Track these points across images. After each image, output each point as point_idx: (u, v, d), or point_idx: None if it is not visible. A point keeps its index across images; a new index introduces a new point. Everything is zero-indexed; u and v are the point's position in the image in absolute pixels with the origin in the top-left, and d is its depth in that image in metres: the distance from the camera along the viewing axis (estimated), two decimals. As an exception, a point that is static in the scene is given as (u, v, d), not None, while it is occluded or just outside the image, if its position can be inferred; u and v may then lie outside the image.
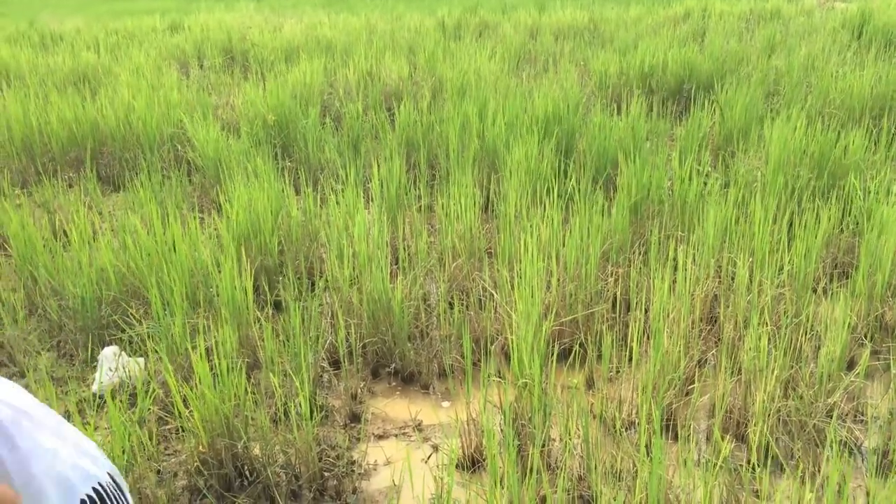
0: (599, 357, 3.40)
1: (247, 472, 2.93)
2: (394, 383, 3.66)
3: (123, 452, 2.65)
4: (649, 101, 6.51)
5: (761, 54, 8.80)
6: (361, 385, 3.54)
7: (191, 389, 2.86)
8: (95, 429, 3.29)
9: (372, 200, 4.87)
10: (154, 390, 3.01)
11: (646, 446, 2.73)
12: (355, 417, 3.37)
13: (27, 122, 6.51)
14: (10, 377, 3.58)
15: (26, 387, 3.57)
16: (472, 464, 3.00)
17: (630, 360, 3.24)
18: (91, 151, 6.40)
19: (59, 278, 4.02)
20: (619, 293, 3.80)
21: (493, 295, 3.78)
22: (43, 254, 4.20)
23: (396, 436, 3.29)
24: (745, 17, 12.06)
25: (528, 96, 6.69)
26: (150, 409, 2.88)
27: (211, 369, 2.96)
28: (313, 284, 4.13)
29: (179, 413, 2.91)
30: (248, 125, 6.61)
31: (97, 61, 9.52)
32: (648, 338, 3.33)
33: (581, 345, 3.49)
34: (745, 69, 8.09)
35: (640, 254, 4.07)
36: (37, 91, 7.71)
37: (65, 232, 4.69)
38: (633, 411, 3.12)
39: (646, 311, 3.56)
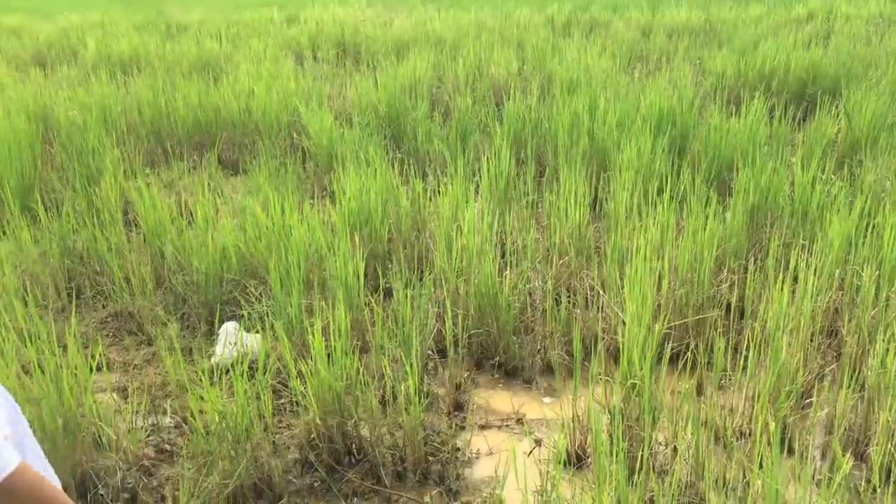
0: (709, 363, 3.32)
1: (354, 451, 3.03)
2: (497, 375, 3.69)
3: (243, 421, 2.78)
4: (769, 104, 6.27)
5: (892, 59, 8.32)
6: (465, 375, 3.59)
7: (306, 366, 2.98)
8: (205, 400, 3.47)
9: (479, 193, 4.91)
10: (273, 364, 3.14)
11: (759, 458, 2.65)
12: (459, 406, 3.42)
13: (157, 105, 6.90)
14: (138, 345, 3.82)
15: (153, 355, 3.81)
16: (577, 461, 2.99)
17: (744, 368, 3.15)
18: (213, 136, 6.73)
19: (184, 255, 4.25)
20: (733, 300, 3.70)
21: (600, 294, 3.75)
22: (170, 231, 4.45)
23: (499, 427, 3.32)
24: (874, 21, 11.42)
25: (639, 95, 6.57)
26: (269, 382, 3.01)
27: (325, 348, 3.06)
28: (419, 273, 4.21)
29: (293, 389, 3.04)
30: (360, 115, 6.78)
31: (219, 50, 9.98)
32: (762, 347, 3.23)
33: (690, 350, 3.42)
34: (874, 74, 7.67)
35: (756, 260, 3.94)
36: (164, 77, 8.15)
37: (189, 211, 4.94)
38: (745, 421, 3.03)
39: (761, 320, 3.45)
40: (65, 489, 2.83)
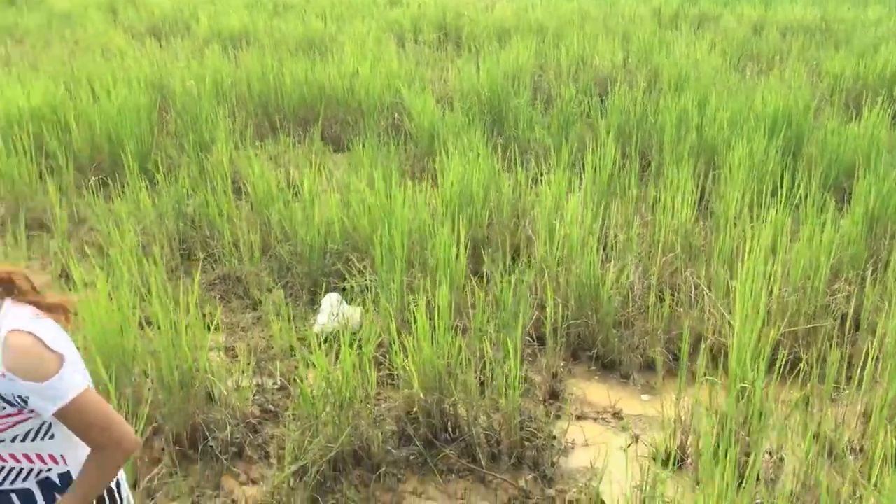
0: (821, 375, 3.20)
1: (450, 429, 3.06)
2: (593, 368, 3.66)
3: (347, 389, 2.85)
4: (893, 109, 5.96)
5: None
6: (562, 364, 3.57)
7: (409, 341, 3.02)
8: (312, 366, 3.57)
9: (582, 184, 4.85)
10: (378, 336, 3.20)
11: (875, 476, 2.55)
12: (554, 395, 3.41)
13: (265, 80, 7.09)
14: (244, 308, 3.95)
15: (258, 319, 3.93)
16: (677, 462, 2.94)
17: (860, 383, 3.02)
18: (317, 112, 6.87)
19: (290, 225, 4.37)
20: (850, 311, 3.55)
21: (706, 294, 3.66)
22: (277, 201, 4.58)
23: (595, 419, 3.30)
24: None
25: (751, 93, 6.35)
26: (372, 354, 3.07)
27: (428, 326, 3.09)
28: (515, 260, 4.20)
29: (396, 363, 3.09)
30: (462, 100, 6.80)
31: (324, 30, 10.16)
32: (879, 362, 3.09)
33: (801, 359, 3.30)
34: None
35: (875, 271, 3.77)
36: (272, 53, 8.36)
37: (294, 184, 5.08)
38: (858, 437, 2.92)
39: (879, 334, 3.30)
40: (177, 440, 2.98)
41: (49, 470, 1.66)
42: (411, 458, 2.98)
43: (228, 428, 2.97)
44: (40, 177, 5.14)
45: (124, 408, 2.70)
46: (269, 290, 4.17)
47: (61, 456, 1.66)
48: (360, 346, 3.00)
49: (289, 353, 3.57)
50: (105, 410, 1.62)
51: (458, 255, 3.75)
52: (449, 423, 3.07)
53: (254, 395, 3.26)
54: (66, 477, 1.68)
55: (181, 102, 6.44)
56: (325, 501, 2.74)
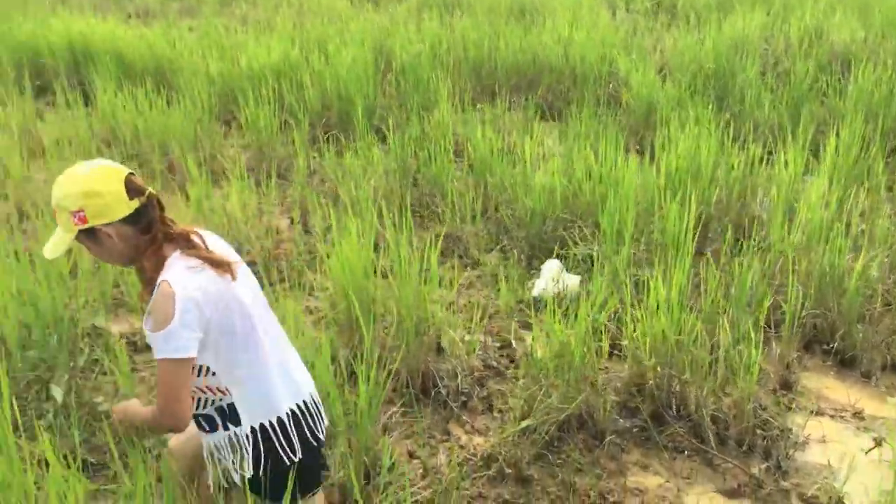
0: None
1: (675, 406, 2.99)
2: (828, 363, 3.43)
3: (577, 354, 2.86)
4: None
5: None
6: (795, 355, 3.37)
7: (641, 314, 2.98)
8: (531, 328, 3.62)
9: (820, 167, 4.51)
10: (611, 306, 3.18)
11: None
12: (786, 385, 3.23)
13: (481, 46, 7.18)
14: (465, 266, 4.06)
15: (477, 278, 4.05)
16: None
17: None
18: (530, 79, 6.88)
19: (511, 189, 4.43)
20: None
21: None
22: (498, 164, 4.66)
23: (832, 417, 3.10)
24: None
25: None
26: (604, 322, 3.07)
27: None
28: (739, 240, 4.00)
29: (627, 334, 3.06)
30: (681, 72, 6.53)
31: (535, -5, 10.10)
32: None
33: None
34: None
35: None
36: (484, 19, 8.45)
37: (511, 148, 5.12)
38: None
39: None
40: (405, 384, 3.13)
41: (221, 400, 1.90)
42: (634, 430, 2.96)
43: (459, 377, 3.09)
44: (280, 129, 5.55)
45: (366, 350, 2.87)
46: (488, 252, 4.27)
47: (227, 388, 1.89)
48: (582, 314, 2.99)
49: (510, 314, 3.64)
50: (178, 386, 1.78)
51: (686, 231, 3.63)
52: (674, 400, 3.00)
53: (475, 351, 3.36)
54: (232, 407, 1.91)
55: (400, 64, 6.67)
56: (551, 460, 2.79)
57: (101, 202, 1.76)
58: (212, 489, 2.04)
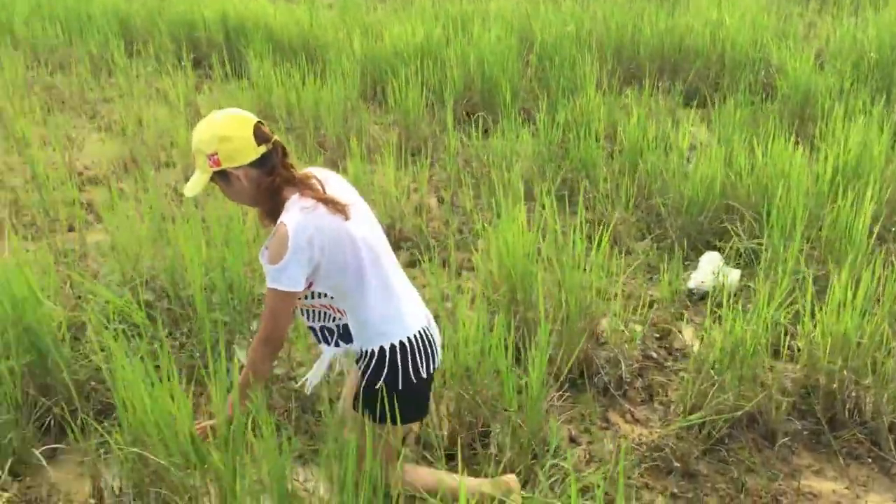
0: None
1: (849, 409, 2.87)
2: None
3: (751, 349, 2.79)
4: None
5: None
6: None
7: (820, 313, 2.86)
8: (687, 321, 3.55)
9: None
10: (793, 304, 3.08)
11: None
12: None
13: (624, 28, 7.02)
14: (618, 254, 4.02)
15: (628, 266, 3.99)
16: None
17: None
18: (674, 63, 6.69)
19: (668, 177, 4.33)
20: None
21: None
22: (650, 150, 4.57)
23: None
24: None
25: None
26: (783, 319, 2.97)
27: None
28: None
29: (804, 332, 2.95)
30: (839, 60, 6.18)
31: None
32: None
33: None
34: None
35: None
36: (625, 2, 8.24)
37: (664, 135, 5.00)
38: None
39: None
40: (568, 370, 3.13)
41: (340, 319, 2.11)
42: (805, 432, 2.87)
43: (623, 367, 3.08)
44: (426, 108, 5.63)
45: (539, 333, 2.89)
46: (639, 240, 4.21)
47: (342, 310, 2.10)
48: (761, 310, 2.91)
49: (669, 305, 3.58)
50: (280, 314, 2.00)
51: (861, 229, 3.46)
52: (848, 404, 2.88)
53: (631, 340, 3.32)
54: (346, 327, 2.12)
55: (541, 45, 6.62)
56: (720, 457, 2.74)
57: (232, 146, 1.96)
58: (308, 391, 2.28)
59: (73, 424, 2.58)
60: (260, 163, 1.99)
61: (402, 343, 2.11)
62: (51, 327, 2.72)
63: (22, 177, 4.84)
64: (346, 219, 2.02)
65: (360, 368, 2.14)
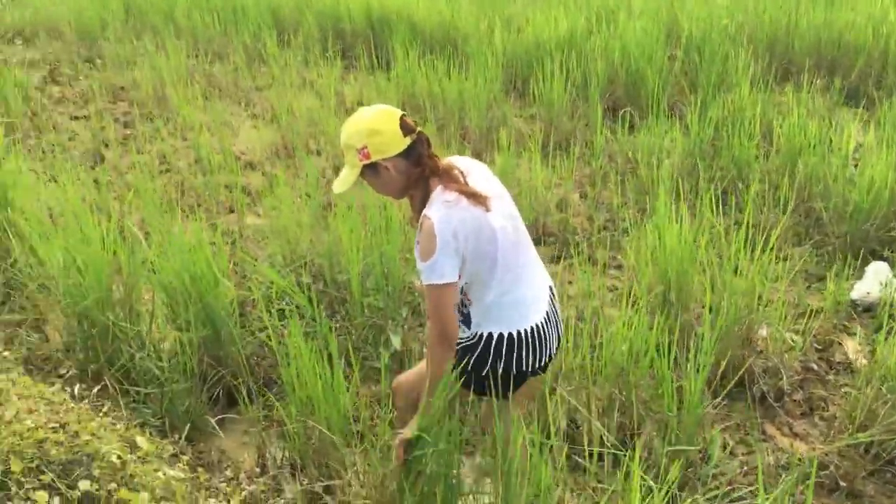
0: None
1: None
2: None
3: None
4: None
5: None
6: None
7: None
8: (850, 334, 3.36)
9: None
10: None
11: None
12: None
13: (775, 22, 6.68)
14: (778, 259, 3.84)
15: (786, 273, 3.81)
16: None
17: None
18: (831, 60, 6.32)
19: (829, 181, 4.11)
20: None
21: None
22: (810, 152, 4.34)
23: None
24: None
25: None
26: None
27: None
28: None
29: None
30: None
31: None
32: None
33: None
34: None
35: None
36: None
37: (823, 136, 4.74)
38: None
39: None
40: (722, 376, 3.03)
41: (468, 306, 2.15)
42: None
43: (784, 378, 2.95)
44: (570, 102, 5.58)
45: (702, 338, 2.81)
46: (795, 245, 4.01)
47: (472, 298, 2.14)
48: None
49: (831, 315, 3.40)
50: (444, 307, 2.02)
51: None
52: None
53: (797, 351, 3.18)
54: (469, 316, 2.16)
55: (691, 39, 6.40)
56: (886, 479, 2.59)
57: (381, 139, 2.03)
58: None
59: (244, 395, 2.75)
60: (407, 153, 2.06)
61: (518, 333, 2.13)
62: (224, 304, 2.90)
63: (186, 160, 5.17)
64: (487, 210, 2.07)
65: (465, 348, 2.16)
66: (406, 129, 2.06)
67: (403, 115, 2.10)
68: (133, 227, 3.37)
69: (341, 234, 3.28)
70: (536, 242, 4.17)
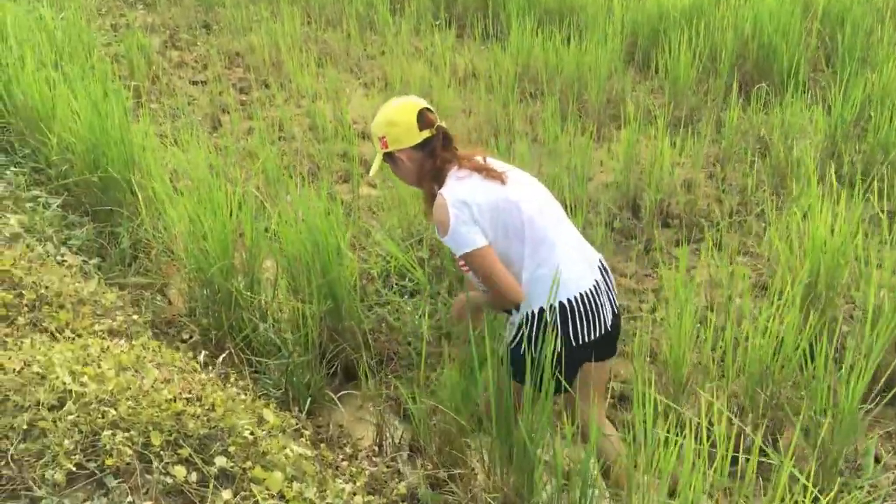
0: None
1: None
2: None
3: None
4: None
5: None
6: None
7: None
8: None
9: None
10: None
11: None
12: None
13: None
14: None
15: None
16: None
17: None
18: None
19: None
20: None
21: None
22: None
23: None
24: None
25: None
26: None
27: None
28: None
29: None
30: None
31: None
32: None
33: None
34: None
35: None
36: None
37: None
38: None
39: None
40: (874, 378, 2.77)
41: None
42: None
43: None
44: (696, 76, 5.26)
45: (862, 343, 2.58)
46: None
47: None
48: None
49: None
50: (489, 269, 2.07)
51: None
52: None
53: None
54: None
55: (828, 12, 5.93)
56: None
57: (397, 130, 2.15)
58: None
59: (363, 370, 2.70)
60: (422, 146, 2.16)
61: (566, 302, 2.12)
62: (346, 277, 2.84)
63: (300, 127, 5.17)
64: (503, 184, 2.13)
65: (515, 327, 2.18)
66: (424, 122, 2.16)
67: (425, 108, 2.18)
68: (257, 192, 3.35)
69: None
70: (659, 226, 3.98)
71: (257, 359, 2.75)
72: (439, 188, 2.15)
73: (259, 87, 5.88)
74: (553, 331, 2.04)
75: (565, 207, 2.51)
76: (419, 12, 7.24)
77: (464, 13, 7.32)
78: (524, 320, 2.14)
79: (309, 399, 2.69)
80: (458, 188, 2.10)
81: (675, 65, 5.14)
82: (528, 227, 2.11)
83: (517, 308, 2.17)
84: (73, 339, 2.12)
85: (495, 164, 2.22)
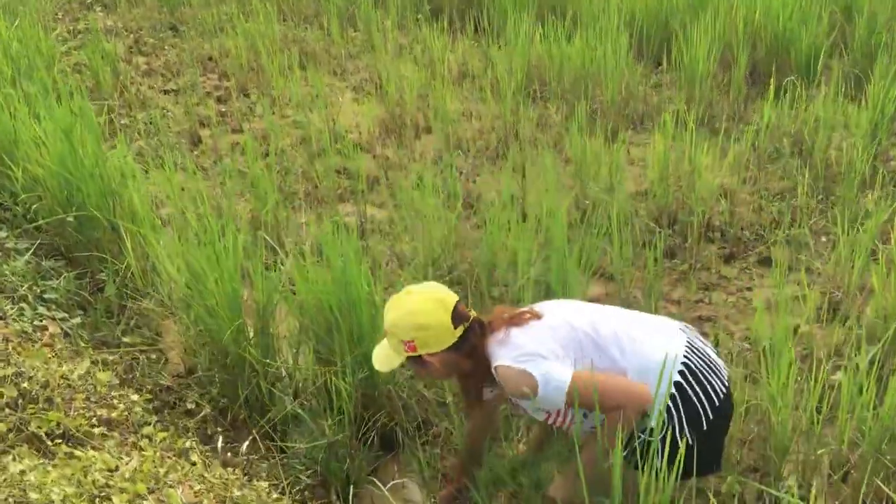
0: None
1: None
2: None
3: None
4: None
5: None
6: None
7: None
8: None
9: None
10: None
11: None
12: None
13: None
14: None
15: None
16: None
17: None
18: None
19: None
20: None
21: None
22: None
23: None
24: None
25: None
26: None
27: None
28: None
29: None
30: None
31: None
32: None
33: None
34: None
35: None
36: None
37: None
38: None
39: None
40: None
41: None
42: None
43: None
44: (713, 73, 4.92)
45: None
46: None
47: None
48: None
49: None
50: (602, 384, 1.77)
51: None
52: None
53: None
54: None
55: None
56: None
57: (429, 334, 1.86)
58: None
59: (402, 442, 2.32)
60: (457, 346, 1.90)
61: (681, 373, 1.88)
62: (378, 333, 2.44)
63: (288, 139, 4.72)
64: (540, 319, 1.93)
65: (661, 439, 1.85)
66: (458, 318, 1.89)
67: (458, 301, 1.92)
68: (266, 237, 2.93)
69: (507, 242, 2.79)
70: (698, 240, 3.64)
71: (285, 444, 2.33)
72: (482, 376, 1.94)
73: (238, 95, 5.40)
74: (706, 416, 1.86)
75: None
76: (402, 5, 6.78)
77: (449, 4, 6.88)
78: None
79: (351, 488, 2.28)
80: (510, 348, 1.87)
81: (692, 57, 4.78)
82: (595, 335, 1.90)
83: (647, 412, 1.82)
84: (71, 454, 1.70)
85: (514, 309, 2.02)
